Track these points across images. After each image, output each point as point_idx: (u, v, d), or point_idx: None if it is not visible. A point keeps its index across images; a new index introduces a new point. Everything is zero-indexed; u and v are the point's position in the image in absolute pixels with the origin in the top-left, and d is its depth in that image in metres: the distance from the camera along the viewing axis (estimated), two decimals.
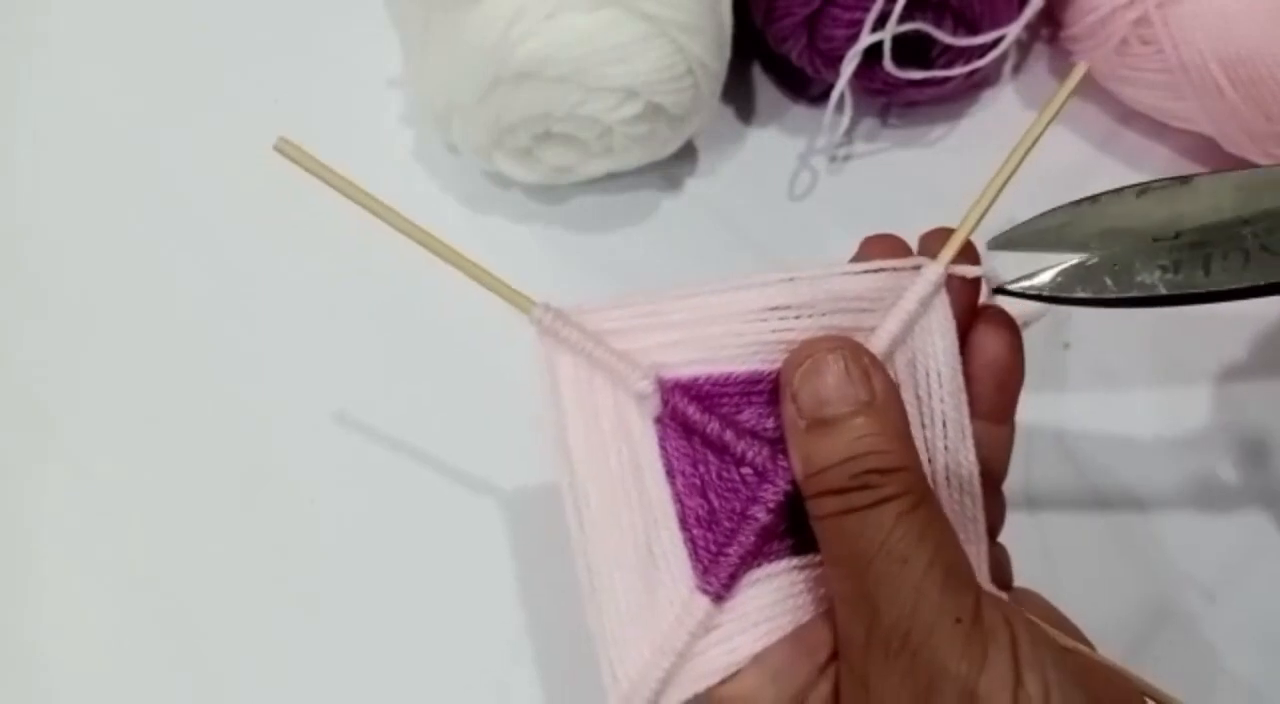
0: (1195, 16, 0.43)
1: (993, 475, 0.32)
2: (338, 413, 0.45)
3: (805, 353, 0.29)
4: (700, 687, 0.29)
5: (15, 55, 0.52)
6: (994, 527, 0.32)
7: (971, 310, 0.31)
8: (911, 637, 0.26)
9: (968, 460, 0.30)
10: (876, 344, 0.29)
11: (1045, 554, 0.43)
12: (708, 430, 0.29)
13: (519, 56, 0.40)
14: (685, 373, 0.29)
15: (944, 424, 0.30)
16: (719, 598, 0.28)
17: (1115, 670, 0.29)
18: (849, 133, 0.48)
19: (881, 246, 0.31)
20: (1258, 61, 0.43)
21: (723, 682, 0.29)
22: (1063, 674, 0.26)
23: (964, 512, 0.30)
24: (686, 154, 0.49)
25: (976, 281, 0.31)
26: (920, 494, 0.27)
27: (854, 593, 0.27)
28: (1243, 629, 0.42)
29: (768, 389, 0.29)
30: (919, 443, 0.30)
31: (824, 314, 0.30)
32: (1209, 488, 0.44)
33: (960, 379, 0.30)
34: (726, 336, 0.29)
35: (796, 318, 0.29)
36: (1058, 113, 0.31)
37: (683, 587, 0.29)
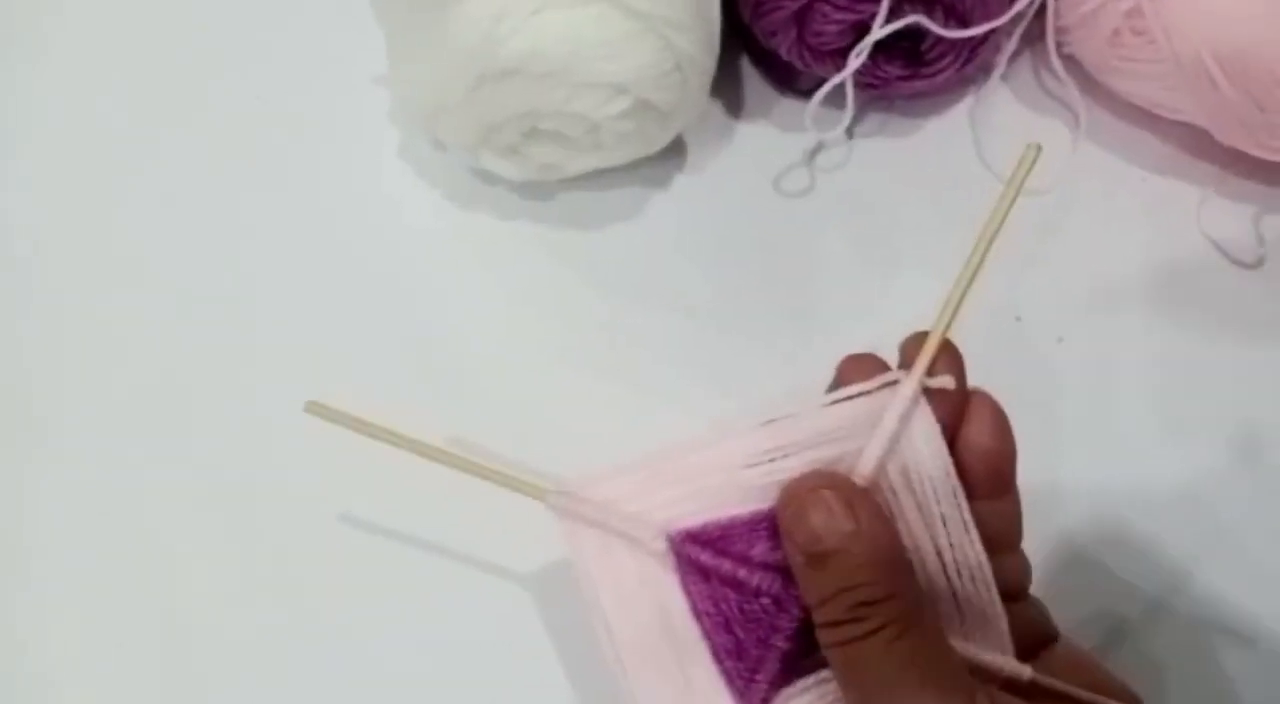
0: (1188, 7, 0.43)
1: (1008, 542, 0.33)
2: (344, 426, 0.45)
3: (791, 494, 0.30)
4: None
5: (2, 52, 0.51)
6: (1022, 586, 0.34)
7: (960, 401, 0.32)
8: None
9: (974, 552, 0.31)
10: (863, 468, 0.31)
11: (1045, 554, 0.43)
12: (722, 571, 0.31)
13: (505, 53, 0.40)
14: (695, 523, 0.31)
15: (944, 522, 0.31)
16: None
17: None
18: (839, 128, 0.48)
19: (859, 367, 0.32)
20: (1251, 52, 0.43)
21: None
22: None
23: (979, 597, 0.31)
24: (675, 150, 0.49)
25: (957, 376, 0.32)
26: (907, 620, 0.29)
27: None
28: (1242, 629, 0.42)
29: (772, 524, 0.31)
30: (927, 543, 0.31)
31: (810, 448, 0.31)
32: (1209, 487, 0.44)
33: (953, 478, 0.31)
34: (725, 487, 0.31)
35: (785, 458, 0.31)
36: (1015, 199, 0.32)
37: None
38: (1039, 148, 0.32)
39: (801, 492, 0.30)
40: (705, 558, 0.31)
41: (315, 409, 0.34)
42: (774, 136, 0.50)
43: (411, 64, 0.43)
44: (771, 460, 0.31)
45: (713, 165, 0.49)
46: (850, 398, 0.31)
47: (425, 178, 0.49)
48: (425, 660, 0.42)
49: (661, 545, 0.31)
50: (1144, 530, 0.43)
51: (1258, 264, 0.48)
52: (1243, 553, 0.43)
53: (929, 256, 0.46)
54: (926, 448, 0.31)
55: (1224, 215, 0.48)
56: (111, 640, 0.42)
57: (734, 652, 0.31)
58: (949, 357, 0.31)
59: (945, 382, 0.31)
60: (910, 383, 0.31)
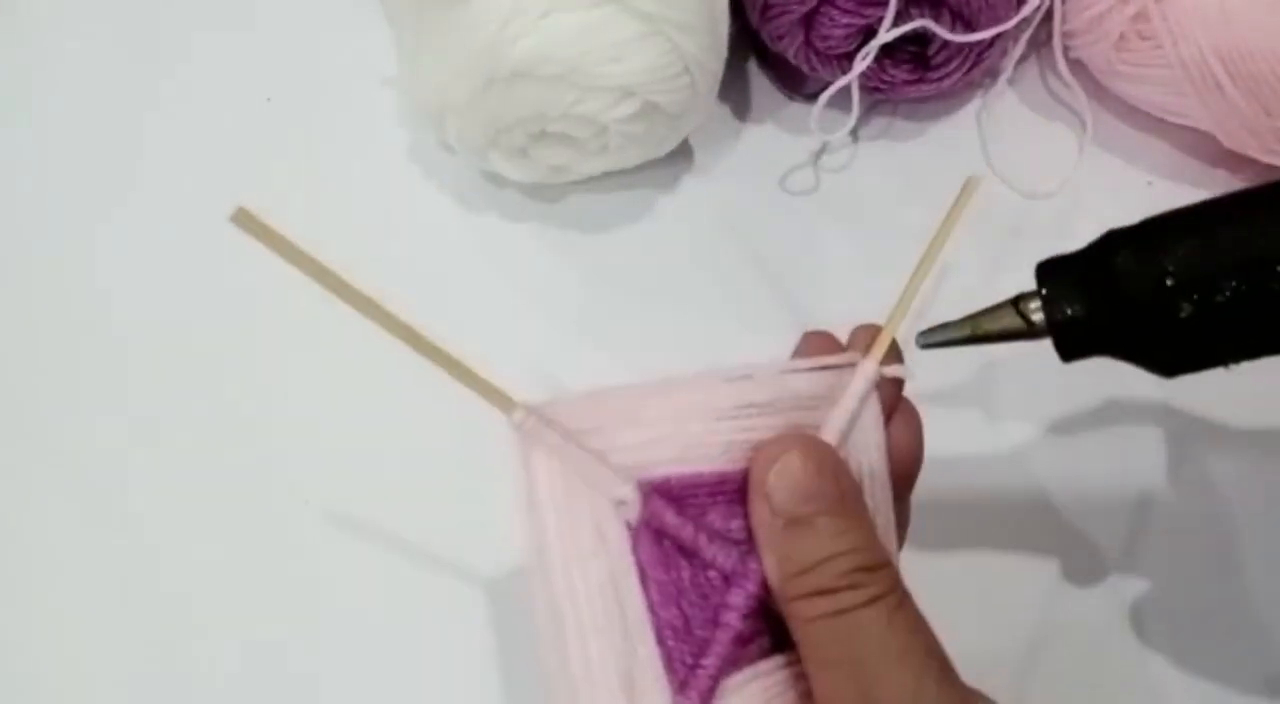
0: (1195, 11, 0.43)
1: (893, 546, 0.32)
2: (337, 425, 0.45)
3: (776, 451, 0.28)
4: None
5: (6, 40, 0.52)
6: None
7: (893, 399, 0.32)
8: None
9: (892, 545, 0.30)
10: (829, 440, 0.30)
11: (1044, 554, 0.43)
12: (683, 535, 0.28)
13: (513, 56, 0.40)
14: (659, 474, 0.29)
15: (875, 518, 0.30)
16: None
17: None
18: (845, 131, 0.48)
19: (819, 343, 0.32)
20: (1258, 57, 0.43)
21: None
22: None
23: None
24: (682, 153, 0.49)
25: (895, 384, 0.31)
26: (903, 590, 0.27)
27: (850, 693, 0.26)
28: (1242, 629, 0.42)
29: (733, 489, 0.29)
30: None
31: (781, 412, 0.30)
32: (1211, 490, 0.44)
33: (888, 474, 0.30)
34: (703, 435, 0.29)
35: (760, 416, 0.29)
36: (953, 225, 0.32)
37: (661, 702, 0.28)
38: (981, 179, 0.33)
39: (782, 449, 0.28)
40: (669, 517, 0.28)
41: (243, 218, 0.29)
42: (781, 140, 0.50)
43: (420, 66, 0.44)
44: (748, 416, 0.29)
45: (720, 168, 0.49)
46: (821, 368, 0.30)
47: (433, 180, 0.49)
48: (401, 657, 0.42)
49: (628, 493, 0.28)
50: (1145, 531, 0.43)
51: None
52: (1244, 553, 0.43)
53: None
54: (874, 436, 0.30)
55: None
56: (114, 643, 0.42)
57: (679, 631, 0.28)
58: (894, 353, 0.31)
59: (899, 371, 0.31)
60: (871, 364, 0.30)
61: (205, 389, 0.46)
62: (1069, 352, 0.31)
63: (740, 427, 0.29)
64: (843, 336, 0.32)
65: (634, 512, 0.28)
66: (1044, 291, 0.30)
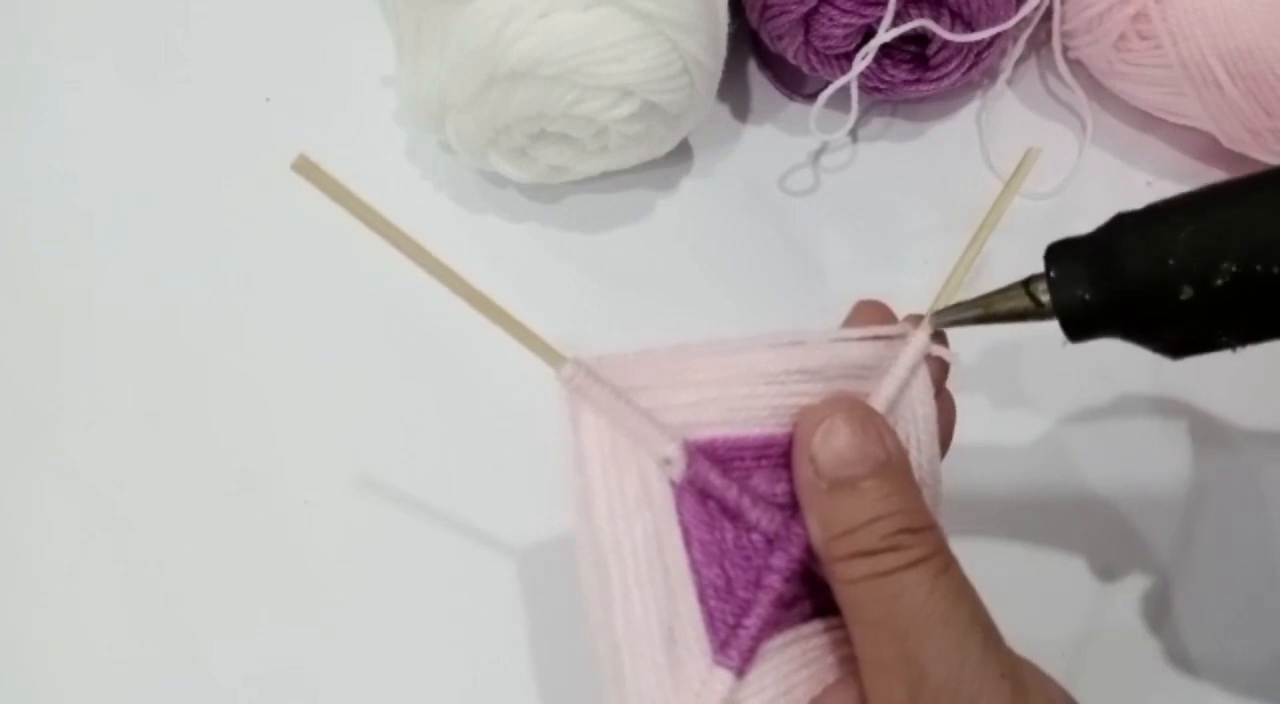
0: (1194, 11, 0.43)
1: None
2: (341, 424, 0.45)
3: (823, 414, 0.28)
4: None
5: (4, 52, 0.52)
6: None
7: (937, 382, 0.32)
8: (962, 694, 0.26)
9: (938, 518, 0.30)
10: (877, 408, 0.30)
11: (1044, 554, 0.43)
12: (727, 496, 0.28)
13: (513, 56, 0.40)
14: (704, 435, 0.29)
15: (922, 488, 0.30)
16: (740, 672, 0.28)
17: None
18: (845, 131, 0.48)
19: (870, 313, 0.32)
20: (1257, 57, 0.43)
21: None
22: None
23: None
24: (682, 153, 0.49)
25: (940, 365, 0.32)
26: (948, 554, 0.27)
27: (893, 656, 0.27)
28: (1241, 629, 0.42)
29: (778, 453, 0.29)
30: None
31: (830, 379, 0.30)
32: (1213, 491, 0.44)
33: (936, 446, 0.31)
34: (750, 398, 0.29)
35: (809, 382, 0.30)
36: (1011, 197, 0.32)
37: (702, 662, 0.28)
38: (1040, 150, 0.33)
39: (829, 413, 0.28)
40: (713, 478, 0.28)
41: (304, 166, 0.30)
42: (780, 140, 0.50)
43: (420, 66, 0.44)
44: (796, 382, 0.29)
45: (719, 168, 0.49)
46: (871, 338, 0.31)
47: (433, 180, 0.49)
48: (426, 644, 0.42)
49: (674, 452, 0.28)
50: (1145, 532, 0.43)
51: None
52: (1245, 554, 0.43)
53: (933, 259, 0.46)
54: (921, 409, 0.31)
55: None
56: (117, 643, 0.42)
57: (721, 591, 0.28)
58: (940, 339, 0.32)
59: (945, 353, 0.31)
60: (923, 335, 0.31)
61: (205, 382, 0.46)
62: (1075, 332, 0.31)
63: (788, 392, 0.29)
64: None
65: (679, 471, 0.28)
66: (1051, 273, 0.30)
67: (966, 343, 0.34)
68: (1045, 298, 0.31)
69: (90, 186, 0.49)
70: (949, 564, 0.27)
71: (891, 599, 0.27)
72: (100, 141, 0.50)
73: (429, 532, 0.43)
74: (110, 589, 0.43)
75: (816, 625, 0.29)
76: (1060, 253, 0.31)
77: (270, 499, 0.44)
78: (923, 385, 0.31)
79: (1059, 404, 0.45)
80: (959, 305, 0.32)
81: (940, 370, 0.32)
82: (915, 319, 0.32)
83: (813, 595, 0.29)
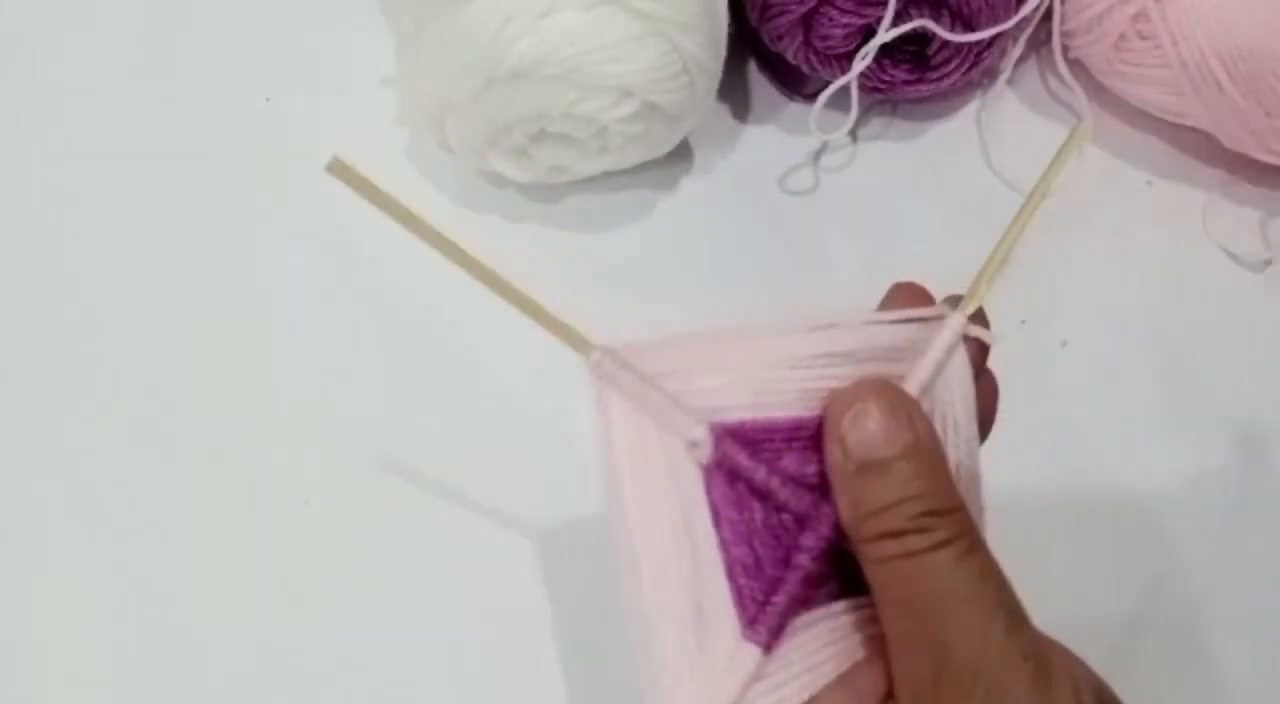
0: (1194, 11, 0.43)
1: None
2: (344, 421, 0.45)
3: (852, 397, 0.29)
4: None
5: (4, 52, 0.52)
6: None
7: (977, 364, 0.32)
8: (983, 675, 0.26)
9: (978, 506, 0.30)
10: (910, 391, 0.30)
11: (1043, 554, 0.43)
12: (755, 477, 0.29)
13: (513, 56, 0.40)
14: (733, 418, 0.29)
15: (958, 470, 0.30)
16: (767, 647, 0.28)
17: None
18: (844, 131, 0.48)
19: (907, 294, 0.32)
20: (1258, 57, 0.43)
21: None
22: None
23: None
24: (682, 153, 0.49)
25: (979, 347, 0.32)
26: (974, 536, 0.28)
27: (918, 635, 0.27)
28: (1240, 628, 0.42)
29: (808, 435, 0.29)
30: None
31: (860, 362, 0.30)
32: (1215, 491, 0.44)
33: (975, 427, 0.30)
34: (778, 382, 0.29)
35: (840, 366, 0.30)
36: (1058, 173, 0.32)
37: (730, 637, 0.28)
38: (1091, 124, 0.33)
39: (858, 396, 0.28)
40: (741, 460, 0.29)
41: (338, 168, 0.30)
42: (780, 140, 0.50)
43: (419, 66, 0.44)
44: (825, 365, 0.29)
45: (719, 168, 0.49)
46: (904, 321, 0.30)
47: (432, 180, 0.49)
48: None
49: (701, 434, 0.28)
50: (1147, 532, 0.43)
51: (1263, 268, 0.48)
52: (1246, 555, 0.43)
53: (933, 259, 0.46)
54: (959, 390, 0.30)
55: (1230, 220, 0.48)
56: (115, 644, 0.42)
57: (750, 569, 0.29)
58: (980, 320, 0.31)
59: (984, 334, 0.31)
60: (960, 317, 0.30)
61: (206, 381, 0.46)
62: None
63: (818, 375, 0.29)
64: None
65: (706, 453, 0.29)
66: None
67: None
68: None
69: (90, 187, 0.49)
70: (974, 546, 0.27)
71: (917, 579, 0.27)
72: (100, 141, 0.50)
73: (429, 532, 0.43)
74: (110, 589, 0.43)
75: (845, 604, 0.29)
76: None
77: (270, 499, 0.44)
78: (960, 367, 0.30)
79: (1079, 401, 0.45)
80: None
81: (980, 352, 0.31)
82: (954, 300, 0.31)
83: (841, 575, 0.29)
